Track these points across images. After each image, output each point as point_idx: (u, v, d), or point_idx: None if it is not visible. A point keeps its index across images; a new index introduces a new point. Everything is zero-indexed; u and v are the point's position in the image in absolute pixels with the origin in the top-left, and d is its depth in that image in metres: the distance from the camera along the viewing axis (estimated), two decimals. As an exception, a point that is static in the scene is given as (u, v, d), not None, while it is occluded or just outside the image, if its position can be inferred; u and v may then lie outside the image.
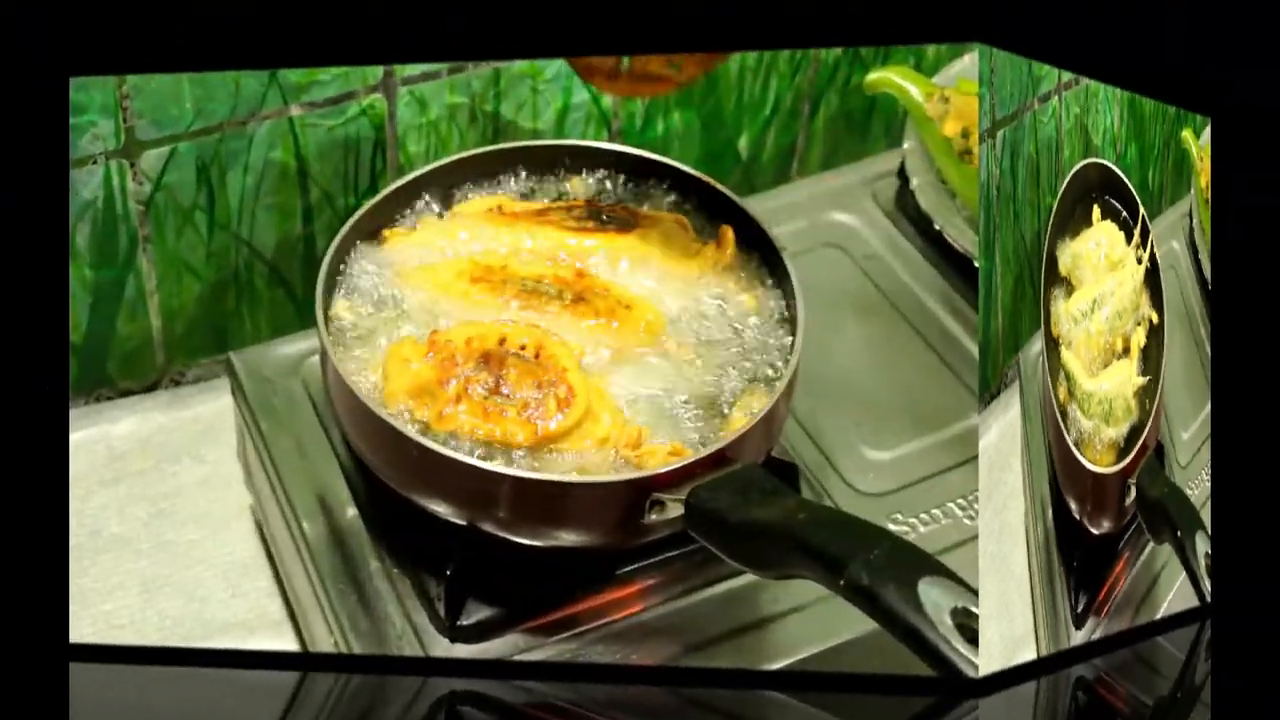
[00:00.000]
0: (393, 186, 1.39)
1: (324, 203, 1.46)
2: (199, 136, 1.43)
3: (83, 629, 1.40)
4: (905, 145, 1.40)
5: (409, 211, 1.40)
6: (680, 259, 1.33)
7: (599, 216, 1.37)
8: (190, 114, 1.42)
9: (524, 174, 1.42)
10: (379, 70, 1.44)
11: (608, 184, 1.41)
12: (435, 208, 1.40)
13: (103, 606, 1.40)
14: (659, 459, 1.20)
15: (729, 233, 1.36)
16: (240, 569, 1.39)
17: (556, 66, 1.44)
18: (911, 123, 1.39)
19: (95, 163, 1.42)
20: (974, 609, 1.06)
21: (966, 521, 1.23)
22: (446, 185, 1.41)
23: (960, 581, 1.07)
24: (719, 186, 1.38)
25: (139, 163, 1.42)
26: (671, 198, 1.38)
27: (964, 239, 1.31)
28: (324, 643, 1.28)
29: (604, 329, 1.29)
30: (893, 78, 1.39)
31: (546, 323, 1.29)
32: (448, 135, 1.47)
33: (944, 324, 1.32)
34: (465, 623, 1.24)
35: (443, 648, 1.24)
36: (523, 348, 1.25)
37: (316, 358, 1.39)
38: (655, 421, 1.24)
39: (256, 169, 1.45)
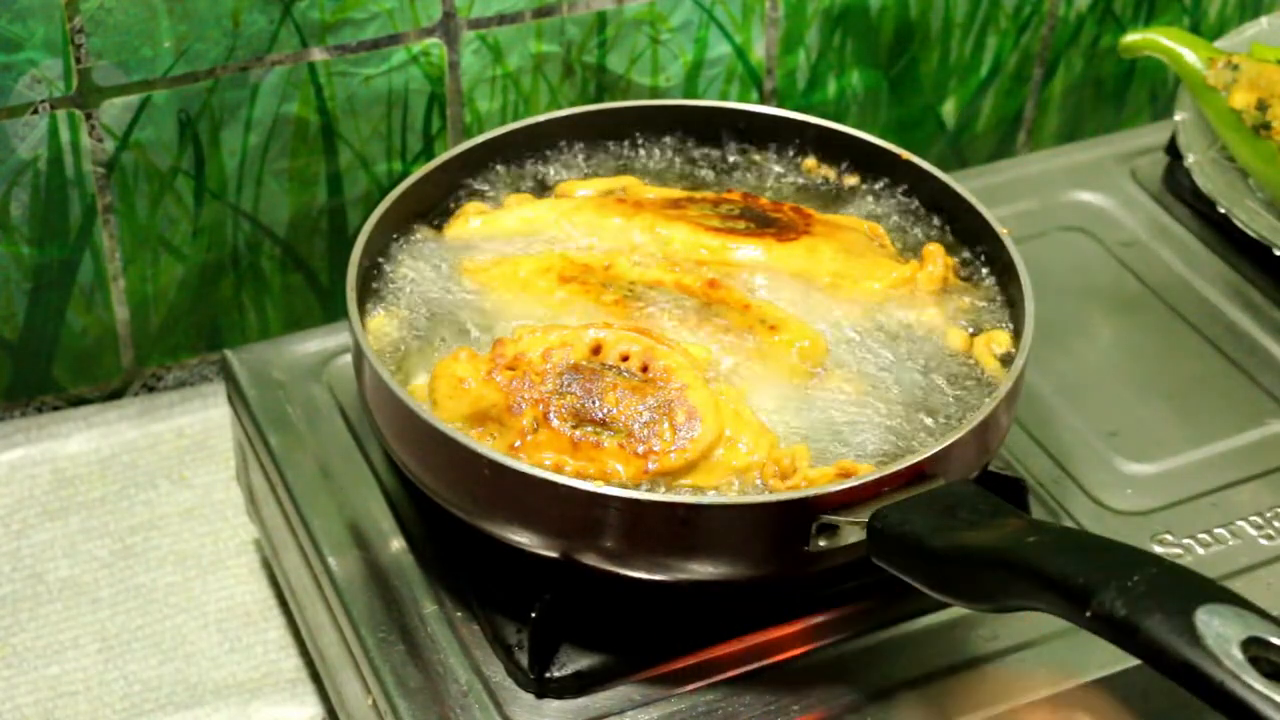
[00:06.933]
0: (461, 148, 1.22)
1: (358, 168, 1.35)
2: (182, 84, 1.28)
3: (17, 697, 1.21)
4: (1178, 117, 1.38)
5: (486, 186, 1.24)
6: (860, 280, 1.16)
7: (758, 216, 1.20)
8: (170, 55, 1.26)
9: (651, 146, 1.28)
10: (436, 9, 1.29)
11: (782, 170, 1.28)
12: (531, 183, 1.25)
13: (47, 670, 1.23)
14: (825, 482, 1.03)
15: (937, 253, 1.19)
16: (240, 618, 1.26)
17: (687, 11, 1.32)
18: (1185, 92, 1.36)
19: (36, 112, 1.25)
20: (1276, 640, 0.92)
21: (1264, 542, 1.15)
22: (540, 153, 1.26)
23: (1254, 609, 0.93)
24: (912, 157, 1.24)
25: (98, 114, 1.27)
26: (861, 191, 1.26)
27: (1258, 223, 1.30)
28: (358, 705, 1.11)
29: (736, 351, 1.11)
30: (1160, 39, 1.35)
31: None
32: (533, 91, 1.35)
33: (1231, 319, 1.31)
34: (557, 674, 1.07)
35: (525, 707, 1.06)
36: (625, 359, 1.07)
37: (347, 357, 1.24)
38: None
39: (264, 125, 1.31)
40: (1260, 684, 0.89)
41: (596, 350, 1.07)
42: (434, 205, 1.21)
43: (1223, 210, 1.32)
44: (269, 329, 1.39)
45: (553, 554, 1.04)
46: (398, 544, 1.13)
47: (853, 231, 1.19)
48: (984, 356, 1.12)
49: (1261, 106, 1.30)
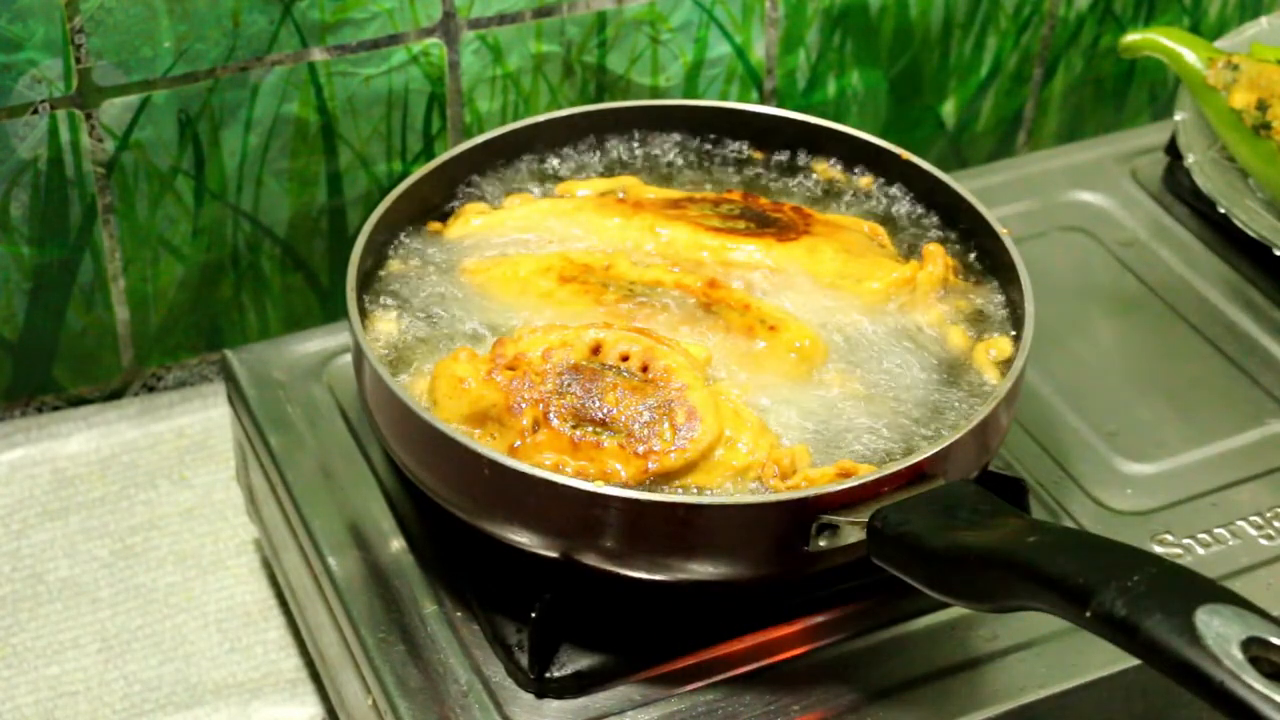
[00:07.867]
0: (461, 148, 1.21)
1: (358, 168, 1.34)
2: (181, 84, 1.27)
3: (17, 697, 1.20)
4: (1178, 117, 1.37)
5: (485, 186, 1.23)
6: (860, 280, 1.16)
7: (758, 216, 1.19)
8: (170, 55, 1.26)
9: (651, 146, 1.27)
10: (436, 9, 1.28)
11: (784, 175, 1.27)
12: (531, 183, 1.24)
13: (47, 670, 1.22)
14: (825, 482, 1.02)
15: (937, 254, 1.18)
16: (240, 618, 1.25)
17: (687, 11, 1.30)
18: (1185, 92, 1.36)
19: (36, 112, 1.24)
20: (1276, 640, 0.91)
21: (1264, 542, 1.14)
22: (540, 153, 1.25)
23: (1254, 609, 0.92)
24: (912, 157, 1.23)
25: (98, 114, 1.26)
26: (865, 193, 1.26)
27: (1258, 223, 1.29)
28: (358, 705, 1.10)
29: (735, 352, 1.10)
30: (1159, 39, 1.34)
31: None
32: (533, 92, 1.35)
33: (1231, 319, 1.30)
34: (557, 674, 1.06)
35: (525, 707, 1.05)
36: (625, 359, 1.07)
37: (347, 357, 1.23)
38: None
39: (264, 125, 1.30)
40: (1260, 684, 0.88)
41: (596, 350, 1.06)
42: (434, 205, 1.20)
43: (1223, 210, 1.31)
44: (269, 329, 1.38)
45: (553, 554, 1.04)
46: (398, 544, 1.12)
47: (853, 231, 1.18)
48: (984, 363, 1.11)
49: (1261, 106, 1.29)
